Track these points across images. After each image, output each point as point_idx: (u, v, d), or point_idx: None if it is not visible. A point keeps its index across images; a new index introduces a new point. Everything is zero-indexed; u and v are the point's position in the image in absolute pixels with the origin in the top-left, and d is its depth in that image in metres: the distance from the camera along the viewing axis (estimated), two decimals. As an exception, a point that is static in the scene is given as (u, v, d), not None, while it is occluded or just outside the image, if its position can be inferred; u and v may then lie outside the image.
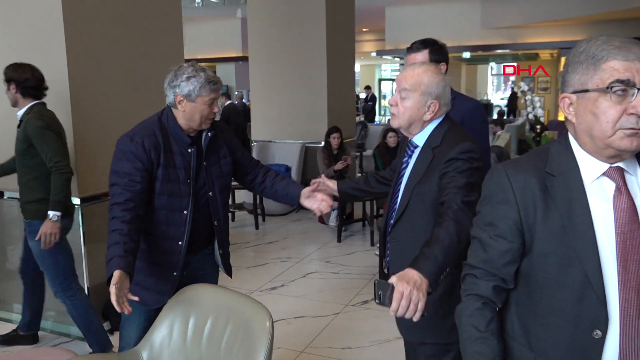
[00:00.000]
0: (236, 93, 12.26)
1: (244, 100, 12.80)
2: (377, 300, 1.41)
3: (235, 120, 9.67)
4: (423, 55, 2.35)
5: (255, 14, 7.08)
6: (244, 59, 15.88)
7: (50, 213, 2.76)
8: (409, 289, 1.36)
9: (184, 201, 2.08)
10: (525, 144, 8.57)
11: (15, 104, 2.92)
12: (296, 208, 2.39)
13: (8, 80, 2.87)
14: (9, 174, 3.19)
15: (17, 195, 3.16)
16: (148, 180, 2.03)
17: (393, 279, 1.38)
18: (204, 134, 2.13)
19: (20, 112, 2.90)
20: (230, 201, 6.21)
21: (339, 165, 5.84)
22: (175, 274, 2.14)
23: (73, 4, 3.19)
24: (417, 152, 1.81)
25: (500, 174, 1.23)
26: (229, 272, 2.35)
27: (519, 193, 1.18)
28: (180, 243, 2.10)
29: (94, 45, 3.33)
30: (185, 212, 2.09)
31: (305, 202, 2.25)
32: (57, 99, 3.20)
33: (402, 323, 1.89)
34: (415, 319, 1.37)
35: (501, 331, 1.26)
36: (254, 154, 7.02)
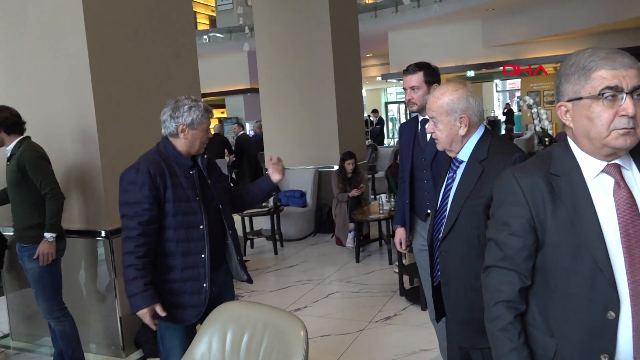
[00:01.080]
0: (255, 123, 12.56)
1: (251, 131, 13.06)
2: None
3: (248, 150, 9.86)
4: (418, 76, 2.58)
5: (263, 46, 7.33)
6: (252, 90, 16.27)
7: (47, 234, 3.04)
8: None
9: (198, 217, 2.27)
10: (535, 157, 8.65)
11: (2, 144, 3.14)
12: (276, 191, 2.84)
13: None
14: (1, 205, 3.39)
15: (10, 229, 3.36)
16: (157, 206, 2.20)
17: None
18: (200, 158, 2.37)
19: (10, 147, 3.11)
20: (248, 228, 6.38)
21: (354, 193, 6.00)
22: (204, 285, 2.30)
23: (99, 48, 3.40)
24: (462, 167, 1.89)
25: (509, 178, 1.36)
26: (249, 279, 2.51)
27: (529, 194, 1.31)
28: (203, 256, 2.28)
29: (117, 85, 3.53)
30: (201, 226, 2.27)
31: (273, 177, 2.55)
32: (85, 137, 3.40)
33: (456, 328, 1.95)
34: None
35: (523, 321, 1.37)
36: (269, 182, 7.17)
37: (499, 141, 1.90)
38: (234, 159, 9.72)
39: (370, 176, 8.93)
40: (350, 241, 5.89)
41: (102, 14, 3.45)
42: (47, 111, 3.40)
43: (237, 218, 6.37)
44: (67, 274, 3.32)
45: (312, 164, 7.08)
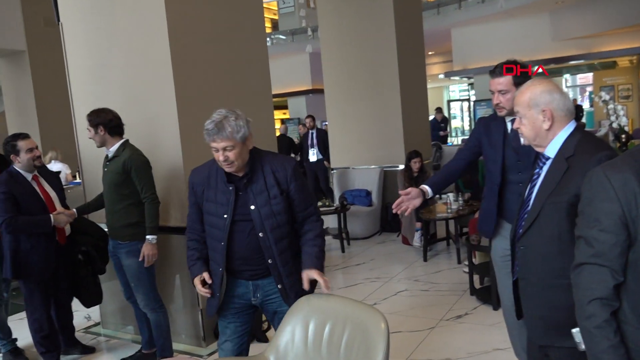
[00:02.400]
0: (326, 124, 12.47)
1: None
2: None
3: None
4: (506, 79, 2.48)
5: (328, 47, 7.45)
6: (314, 91, 16.46)
7: (149, 237, 3.25)
8: None
9: (220, 233, 2.30)
10: (611, 154, 8.26)
11: (103, 144, 3.32)
12: None
13: (96, 125, 3.26)
14: (95, 211, 3.62)
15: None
16: (198, 210, 2.39)
17: None
18: (246, 178, 2.27)
19: (113, 149, 3.30)
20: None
21: None
22: (217, 294, 2.36)
23: (181, 56, 3.62)
24: (548, 163, 1.87)
25: (599, 175, 1.37)
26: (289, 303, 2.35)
27: (620, 190, 1.32)
28: (221, 269, 2.33)
29: (197, 90, 3.74)
30: (222, 243, 2.30)
31: (305, 283, 2.33)
32: (169, 140, 3.62)
33: (531, 324, 1.95)
34: None
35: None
36: (334, 181, 7.30)
37: (587, 138, 1.86)
38: (298, 159, 9.90)
39: (435, 175, 8.84)
40: (417, 240, 5.89)
41: (183, 24, 3.67)
42: (135, 117, 3.64)
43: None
44: (158, 269, 3.52)
45: (377, 163, 7.12)
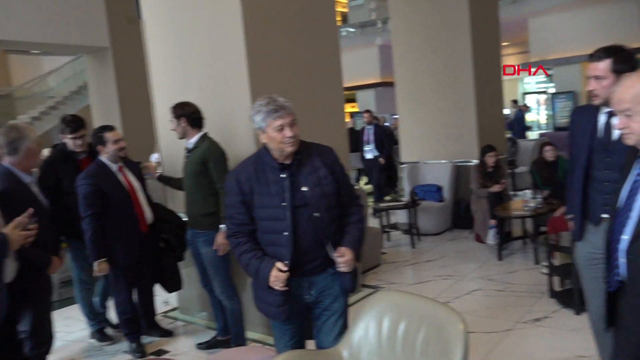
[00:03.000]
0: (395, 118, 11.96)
1: (386, 124, 13.04)
2: None
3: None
4: (605, 64, 2.25)
5: (399, 39, 7.32)
6: (383, 84, 16.29)
7: (222, 227, 3.28)
8: None
9: (283, 224, 2.23)
10: None
11: (183, 136, 3.45)
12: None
13: (179, 117, 3.41)
14: (173, 187, 3.85)
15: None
16: (247, 209, 2.29)
17: None
18: (295, 162, 2.26)
19: (193, 140, 3.42)
20: (385, 222, 6.45)
21: (495, 188, 5.75)
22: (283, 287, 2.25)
23: (256, 51, 3.67)
24: None
25: None
26: (351, 289, 2.36)
27: None
28: (286, 262, 2.23)
29: (271, 84, 3.77)
30: (285, 233, 2.22)
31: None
32: (245, 134, 3.68)
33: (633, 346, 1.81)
34: None
35: None
36: (405, 175, 7.19)
37: None
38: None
39: (510, 171, 8.50)
40: (491, 238, 5.68)
41: (258, 19, 3.72)
42: (212, 110, 3.72)
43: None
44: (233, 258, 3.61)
45: (448, 158, 6.94)
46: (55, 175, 3.66)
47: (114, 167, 3.54)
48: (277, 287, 2.22)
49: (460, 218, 6.68)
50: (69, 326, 4.37)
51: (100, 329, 4.05)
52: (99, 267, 3.42)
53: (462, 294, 4.44)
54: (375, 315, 2.23)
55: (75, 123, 3.75)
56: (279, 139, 2.20)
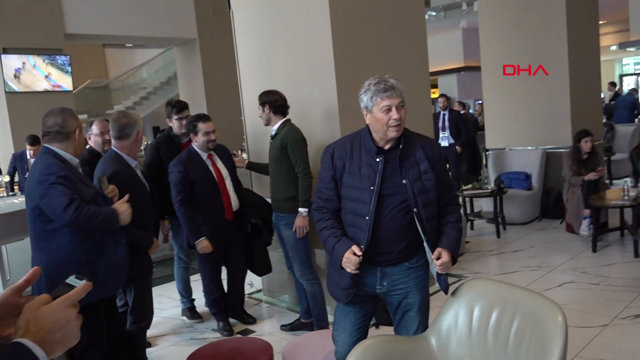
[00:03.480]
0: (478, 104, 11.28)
1: (470, 110, 12.60)
2: None
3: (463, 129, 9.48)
4: None
5: (487, 21, 7.03)
6: (466, 69, 15.74)
7: (301, 210, 3.39)
8: None
9: (366, 207, 2.16)
10: None
11: (268, 123, 3.54)
12: None
13: (263, 104, 3.50)
14: (259, 172, 4.02)
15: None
16: (335, 185, 2.25)
17: None
18: (398, 149, 2.17)
19: (275, 127, 3.51)
20: (469, 209, 6.27)
21: (591, 176, 5.37)
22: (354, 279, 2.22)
23: (341, 37, 3.68)
24: None
25: None
26: (443, 288, 2.28)
27: None
28: (362, 246, 2.18)
29: (356, 69, 3.76)
30: (367, 217, 2.16)
31: None
32: (329, 118, 3.71)
33: None
34: None
35: None
36: (490, 163, 6.94)
37: None
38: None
39: (606, 158, 7.97)
40: (585, 229, 5.36)
41: (344, 6, 3.71)
42: (298, 96, 3.78)
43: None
44: (312, 242, 3.68)
45: (537, 144, 6.62)
46: (159, 157, 3.89)
47: (204, 155, 3.67)
48: (348, 269, 2.18)
49: (550, 207, 6.36)
50: (161, 303, 4.63)
51: (191, 307, 4.26)
52: (200, 246, 3.57)
53: (553, 286, 4.24)
54: (466, 303, 2.18)
55: (180, 103, 4.02)
56: (384, 120, 2.12)
